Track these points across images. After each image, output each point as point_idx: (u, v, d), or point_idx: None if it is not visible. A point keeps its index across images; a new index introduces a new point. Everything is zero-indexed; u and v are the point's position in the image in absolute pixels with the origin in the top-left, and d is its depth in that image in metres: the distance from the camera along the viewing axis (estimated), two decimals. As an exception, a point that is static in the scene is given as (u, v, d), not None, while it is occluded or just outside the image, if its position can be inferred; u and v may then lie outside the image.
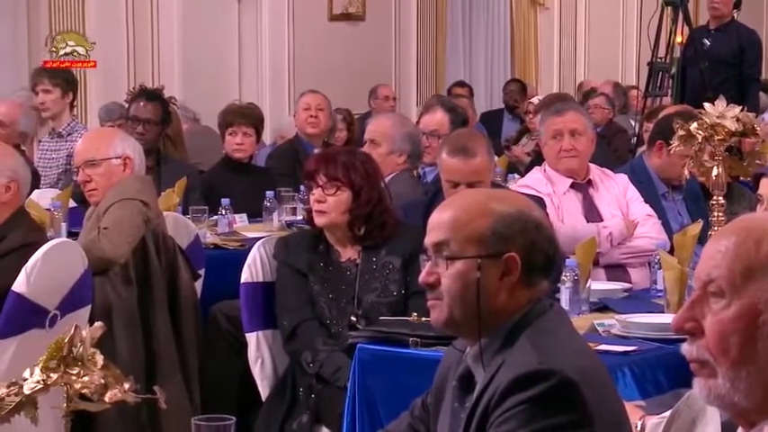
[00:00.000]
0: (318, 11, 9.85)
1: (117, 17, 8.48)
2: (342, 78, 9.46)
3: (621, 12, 13.13)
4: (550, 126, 4.62)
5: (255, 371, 3.87)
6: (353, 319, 3.70)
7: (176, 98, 6.66)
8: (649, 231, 4.50)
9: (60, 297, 3.67)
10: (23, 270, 3.58)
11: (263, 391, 3.86)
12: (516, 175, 6.47)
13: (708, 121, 3.75)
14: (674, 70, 8.16)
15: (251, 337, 3.87)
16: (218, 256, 4.88)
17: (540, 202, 3.95)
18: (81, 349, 2.02)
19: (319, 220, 3.74)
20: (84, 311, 3.77)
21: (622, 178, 4.69)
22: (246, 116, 6.31)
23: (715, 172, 3.81)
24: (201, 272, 4.47)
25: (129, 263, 4.01)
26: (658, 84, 8.20)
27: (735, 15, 8.53)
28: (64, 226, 5.03)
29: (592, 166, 4.66)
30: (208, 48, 9.17)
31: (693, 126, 3.76)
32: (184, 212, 5.15)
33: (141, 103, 5.95)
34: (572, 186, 4.57)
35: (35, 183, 5.25)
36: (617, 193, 4.60)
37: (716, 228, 3.78)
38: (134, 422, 3.94)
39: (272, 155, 6.80)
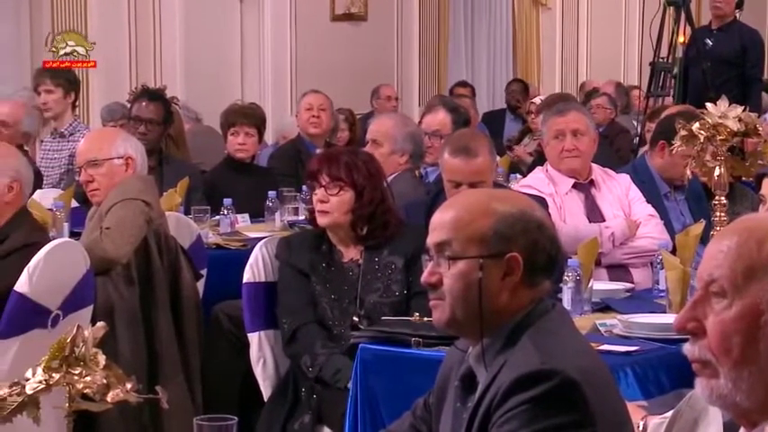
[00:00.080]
0: (320, 11, 9.85)
1: (119, 17, 8.49)
2: (344, 78, 9.46)
3: (623, 12, 13.13)
4: (552, 126, 4.62)
5: (257, 371, 3.87)
6: (356, 319, 3.70)
7: (178, 98, 6.66)
8: (651, 231, 4.49)
9: (62, 297, 3.67)
10: (26, 270, 3.58)
11: (265, 391, 3.87)
12: (518, 176, 6.47)
13: (710, 121, 3.75)
14: (676, 70, 8.16)
15: (253, 338, 3.87)
16: (221, 256, 4.88)
17: (542, 202, 3.95)
18: (83, 349, 2.03)
19: (322, 220, 3.74)
20: (87, 311, 3.77)
21: (624, 178, 4.69)
22: (249, 116, 6.31)
23: (717, 172, 3.80)
24: (204, 272, 4.47)
25: (131, 263, 4.01)
26: (660, 84, 8.20)
27: (737, 15, 8.52)
28: (66, 226, 5.03)
29: (594, 166, 4.66)
30: (210, 48, 9.18)
31: (695, 126, 3.76)
32: (186, 212, 5.16)
33: (143, 103, 5.95)
34: (574, 186, 4.57)
35: (37, 183, 5.25)
36: (619, 194, 4.60)
37: (718, 228, 3.78)
38: (136, 422, 3.94)
39: (274, 155, 6.80)
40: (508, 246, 2.18)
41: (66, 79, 6.60)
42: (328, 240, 3.80)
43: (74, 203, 5.33)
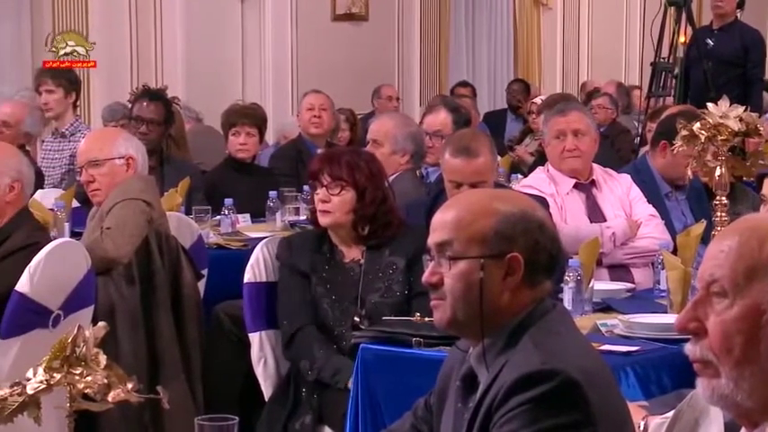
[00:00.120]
0: (321, 11, 9.86)
1: (120, 17, 8.49)
2: (345, 78, 9.46)
3: (624, 12, 13.13)
4: (554, 126, 4.62)
5: (258, 371, 3.87)
6: (357, 319, 3.69)
7: (179, 98, 6.66)
8: (652, 232, 4.49)
9: (63, 297, 3.67)
10: (27, 270, 3.58)
11: (266, 390, 3.87)
12: (519, 176, 6.47)
13: (711, 121, 3.74)
14: (677, 70, 8.16)
15: (254, 337, 3.87)
16: (221, 256, 4.88)
17: (543, 202, 3.95)
18: (84, 349, 2.03)
19: (324, 220, 3.74)
20: (88, 311, 3.77)
21: (625, 178, 4.69)
22: (249, 116, 6.31)
23: (718, 172, 3.80)
24: (204, 272, 4.47)
25: (132, 263, 4.01)
26: (661, 84, 8.20)
27: (738, 15, 8.51)
28: (67, 226, 5.03)
29: (595, 166, 4.66)
30: (211, 48, 9.18)
31: (696, 126, 3.76)
32: (187, 212, 5.16)
33: (144, 104, 5.95)
34: (575, 186, 4.57)
35: (39, 183, 5.26)
36: (620, 194, 4.60)
37: (719, 228, 3.78)
38: (137, 422, 3.94)
39: (275, 155, 6.80)
40: (509, 246, 2.17)
41: (67, 79, 6.61)
42: (329, 240, 3.80)
43: (75, 203, 5.33)
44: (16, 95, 6.86)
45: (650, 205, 4.61)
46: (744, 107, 3.82)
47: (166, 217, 4.28)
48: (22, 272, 3.58)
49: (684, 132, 3.79)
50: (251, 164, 6.27)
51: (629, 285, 4.16)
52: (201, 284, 4.39)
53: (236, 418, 2.12)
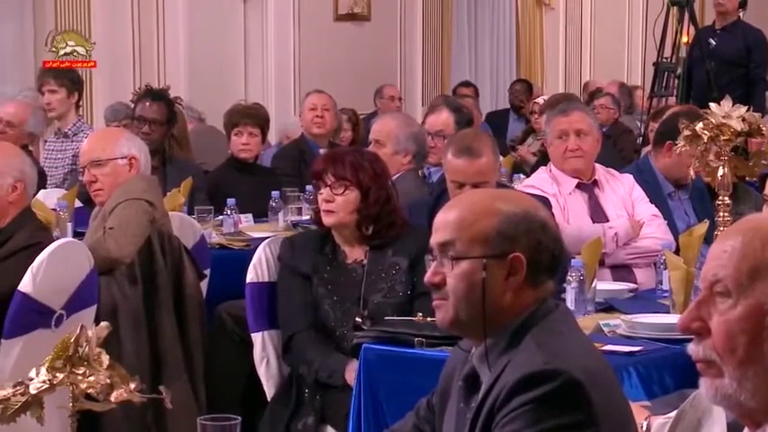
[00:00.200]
0: (324, 11, 9.86)
1: (122, 17, 8.49)
2: (347, 78, 9.46)
3: (627, 12, 13.12)
4: (556, 126, 4.62)
5: (261, 371, 3.87)
6: (358, 320, 3.69)
7: (182, 98, 6.66)
8: (655, 232, 4.49)
9: (66, 297, 3.68)
10: (29, 270, 3.58)
11: (269, 390, 3.87)
12: (522, 176, 6.46)
13: (713, 121, 3.74)
14: (679, 70, 8.15)
15: (256, 337, 3.87)
16: (224, 256, 4.88)
17: (545, 202, 3.95)
18: (87, 349, 2.03)
19: (327, 220, 3.74)
20: (90, 311, 3.77)
21: (628, 178, 4.68)
22: (252, 116, 6.31)
23: (721, 172, 3.80)
24: (207, 272, 4.47)
25: (134, 263, 4.01)
26: (664, 84, 8.19)
27: (740, 15, 8.51)
28: (70, 226, 5.04)
29: (597, 166, 4.65)
30: (213, 48, 9.18)
31: (699, 126, 3.76)
32: (190, 212, 5.16)
33: (147, 104, 5.95)
34: (577, 186, 4.57)
35: (41, 183, 5.26)
36: (622, 194, 4.59)
37: (722, 228, 3.77)
38: (140, 422, 3.94)
39: (277, 155, 6.80)
40: (511, 246, 2.17)
41: (70, 79, 6.61)
42: (332, 241, 3.80)
43: (77, 203, 5.33)
44: (19, 95, 6.87)
45: (653, 205, 4.61)
46: (746, 107, 3.82)
47: (169, 217, 4.28)
48: (25, 272, 3.58)
49: (687, 132, 3.79)
50: (253, 164, 6.27)
51: (632, 285, 4.16)
52: (204, 284, 4.38)
53: (239, 418, 2.12)
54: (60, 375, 2.01)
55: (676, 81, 8.16)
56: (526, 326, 2.16)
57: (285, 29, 9.55)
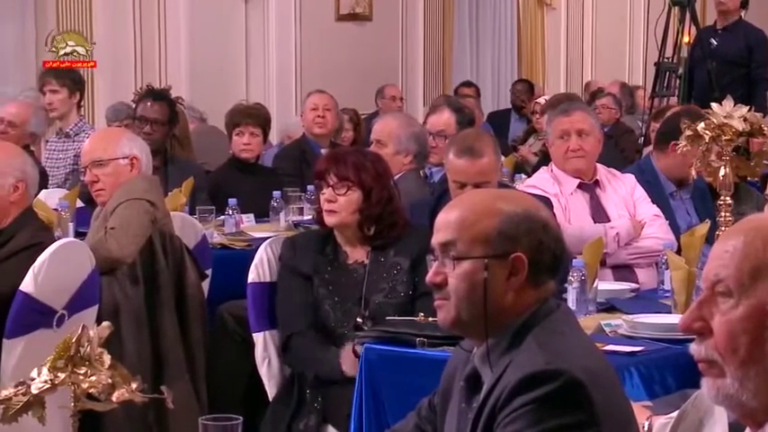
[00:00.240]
0: (325, 11, 9.86)
1: (124, 17, 8.49)
2: (348, 78, 9.46)
3: (628, 12, 13.12)
4: (557, 126, 4.61)
5: (262, 371, 3.87)
6: (359, 320, 3.69)
7: (183, 98, 6.66)
8: (656, 232, 4.49)
9: (68, 297, 3.68)
10: (31, 270, 3.58)
11: (270, 390, 3.87)
12: (523, 176, 6.46)
13: (715, 120, 3.74)
14: (681, 70, 8.15)
15: (258, 337, 3.87)
16: (225, 256, 4.89)
17: (546, 202, 3.94)
18: (88, 349, 2.03)
19: (330, 220, 3.74)
20: (92, 311, 3.77)
21: (629, 178, 4.68)
22: (253, 116, 6.31)
23: (722, 172, 3.80)
24: (208, 272, 4.47)
25: (136, 263, 4.01)
26: (665, 84, 8.19)
27: (742, 15, 8.51)
28: (71, 226, 5.04)
29: (599, 166, 4.65)
30: (215, 48, 9.18)
31: (701, 126, 3.76)
32: (191, 212, 5.16)
33: (148, 104, 5.95)
34: (579, 187, 4.56)
35: (43, 183, 5.26)
36: (624, 194, 4.59)
37: (723, 228, 3.77)
38: (141, 422, 3.94)
39: (278, 155, 6.80)
40: (513, 246, 2.18)
41: (72, 79, 6.61)
42: (334, 241, 3.80)
43: (79, 203, 5.33)
44: (20, 95, 6.87)
45: (654, 205, 4.61)
46: (748, 107, 3.82)
47: (170, 217, 4.29)
48: (27, 272, 3.58)
49: (689, 132, 3.79)
50: (255, 164, 6.27)
51: (634, 285, 4.16)
52: (205, 284, 4.39)
53: (240, 417, 2.12)
54: (62, 375, 2.01)
55: (678, 81, 8.16)
56: (528, 326, 2.16)
57: (286, 29, 9.55)
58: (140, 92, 6.30)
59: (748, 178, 4.52)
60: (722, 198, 3.85)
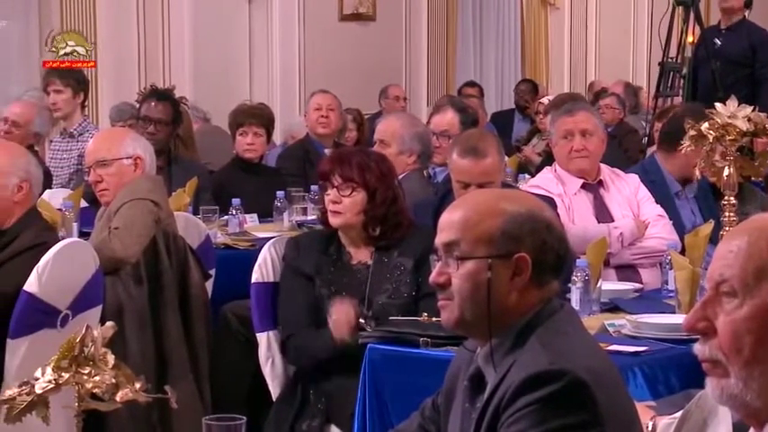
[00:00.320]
0: (329, 11, 9.86)
1: (128, 17, 8.50)
2: (352, 78, 9.46)
3: (632, 12, 13.12)
4: (561, 126, 4.61)
5: (266, 371, 3.87)
6: (362, 321, 3.69)
7: (187, 98, 6.66)
8: (660, 232, 4.49)
9: (72, 297, 3.68)
10: (35, 270, 3.58)
11: (274, 390, 3.87)
12: (527, 176, 6.46)
13: (719, 120, 3.74)
14: (685, 70, 8.14)
15: (261, 337, 3.87)
16: (229, 256, 4.89)
17: (550, 202, 3.94)
18: (92, 349, 2.03)
19: (334, 221, 3.74)
20: (96, 311, 3.77)
21: (633, 178, 4.68)
22: (257, 116, 6.32)
23: (726, 172, 3.80)
24: (212, 272, 4.47)
25: (139, 263, 4.02)
26: (669, 84, 8.18)
27: (746, 14, 8.50)
28: (75, 226, 5.04)
29: (602, 166, 4.65)
30: (218, 48, 9.19)
31: (705, 126, 3.76)
32: (195, 212, 5.16)
33: (152, 104, 5.96)
34: (583, 187, 4.56)
35: (47, 183, 5.26)
36: (628, 194, 4.59)
37: (727, 228, 3.77)
38: (145, 422, 3.94)
39: (282, 155, 6.80)
40: (516, 246, 2.17)
41: (75, 79, 6.62)
42: (338, 241, 3.80)
43: (83, 203, 5.34)
44: (24, 95, 6.88)
45: (658, 205, 4.60)
46: (752, 107, 3.82)
47: (174, 217, 4.29)
48: (31, 272, 3.58)
49: (693, 132, 3.79)
50: (258, 164, 6.27)
51: (637, 285, 4.16)
52: (209, 284, 4.39)
53: (244, 417, 2.12)
54: (66, 375, 2.01)
55: (682, 81, 8.15)
56: (531, 326, 2.16)
57: (290, 29, 9.55)
58: (144, 92, 6.30)
59: (752, 178, 4.52)
60: (726, 198, 3.85)
